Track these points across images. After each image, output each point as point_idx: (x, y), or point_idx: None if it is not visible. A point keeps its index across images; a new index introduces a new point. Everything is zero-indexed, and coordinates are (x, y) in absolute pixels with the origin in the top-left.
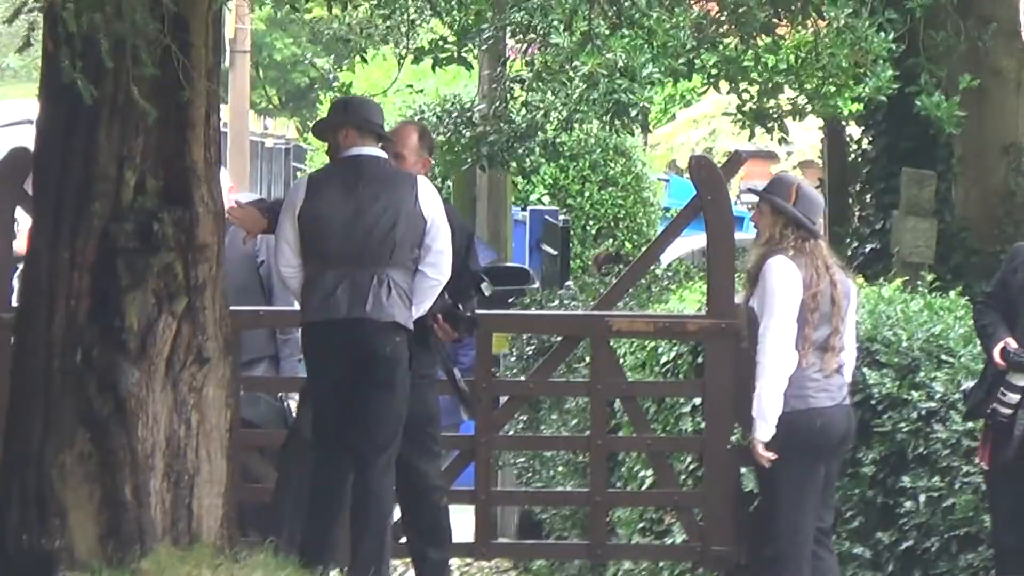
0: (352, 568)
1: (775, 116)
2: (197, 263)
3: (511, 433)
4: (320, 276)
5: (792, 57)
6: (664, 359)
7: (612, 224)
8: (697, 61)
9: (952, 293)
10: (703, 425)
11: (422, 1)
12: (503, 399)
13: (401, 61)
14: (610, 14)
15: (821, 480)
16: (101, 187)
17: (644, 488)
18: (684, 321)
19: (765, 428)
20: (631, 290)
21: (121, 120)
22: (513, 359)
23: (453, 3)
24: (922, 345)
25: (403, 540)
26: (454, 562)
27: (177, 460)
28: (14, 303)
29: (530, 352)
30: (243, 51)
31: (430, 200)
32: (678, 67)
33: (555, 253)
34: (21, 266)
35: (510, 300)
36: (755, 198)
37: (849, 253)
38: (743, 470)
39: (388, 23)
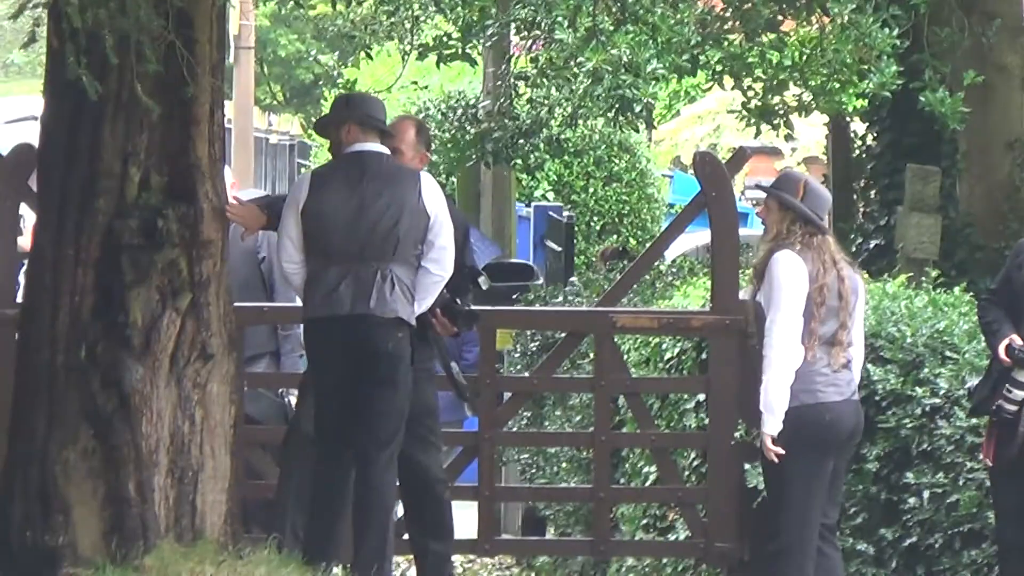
0: (355, 564)
1: (781, 113)
2: (201, 259)
3: (515, 429)
4: (323, 272)
5: (797, 54)
6: (668, 355)
7: (616, 220)
8: (701, 58)
9: (956, 289)
10: (707, 421)
11: None
12: (507, 395)
13: (405, 57)
14: (614, 10)
15: (828, 476)
16: (105, 183)
17: (648, 484)
18: (688, 317)
19: (773, 421)
20: (635, 286)
21: (125, 116)
22: (517, 355)
23: (457, 0)
24: (926, 341)
25: (406, 536)
26: (457, 558)
27: (181, 456)
28: (19, 299)
29: (534, 348)
30: (247, 47)
31: (433, 196)
32: (682, 64)
33: (559, 249)
34: (27, 262)
35: (514, 296)
36: (761, 194)
37: (853, 249)
38: (747, 466)
39: (392, 19)
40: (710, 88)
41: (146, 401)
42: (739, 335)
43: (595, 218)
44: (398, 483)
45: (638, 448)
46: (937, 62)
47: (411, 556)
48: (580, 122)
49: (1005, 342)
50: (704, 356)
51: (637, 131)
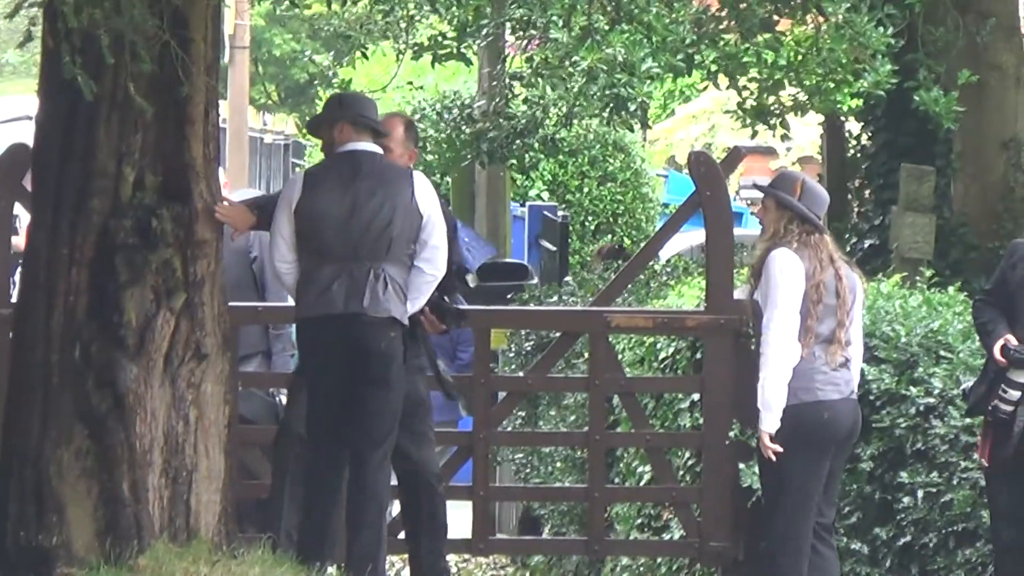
0: (349, 564)
1: (776, 113)
2: (196, 259)
3: (509, 429)
4: (316, 271)
5: (792, 53)
6: (663, 355)
7: (611, 220)
8: (696, 57)
9: (951, 289)
10: (701, 421)
11: None
12: (501, 395)
13: (400, 57)
14: (609, 9)
15: (825, 474)
16: (100, 183)
17: (642, 484)
18: (683, 317)
19: (771, 419)
20: (630, 286)
21: (120, 116)
22: (512, 355)
23: (452, 0)
24: (921, 341)
25: (400, 535)
26: (452, 558)
27: (175, 456)
28: (14, 299)
29: (529, 348)
30: (242, 47)
31: (426, 196)
32: (677, 63)
33: (554, 249)
34: (22, 262)
35: (509, 296)
36: (756, 194)
37: (848, 249)
38: (741, 466)
39: (387, 19)
40: (705, 88)
41: (140, 401)
42: (733, 335)
43: (590, 218)
44: (394, 478)
45: (633, 448)
46: (932, 62)
47: (405, 555)
48: (575, 122)
49: (1000, 342)
50: (699, 356)
51: (632, 130)
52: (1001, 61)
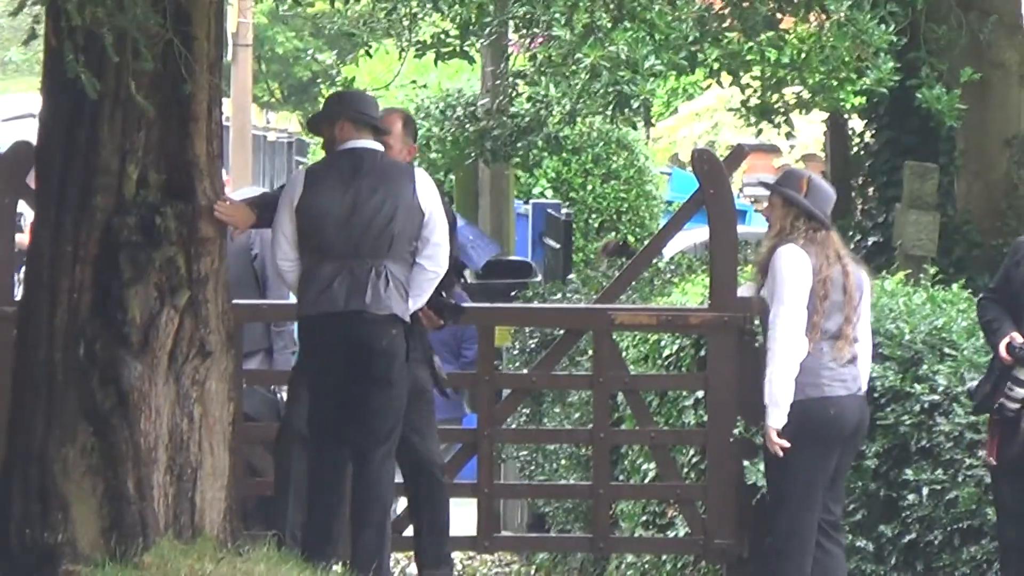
0: (353, 562)
1: (780, 111)
2: (199, 256)
3: (514, 426)
4: (318, 269)
5: (795, 52)
6: (667, 352)
7: (615, 217)
8: (699, 55)
9: (955, 286)
10: (705, 418)
11: None
12: (506, 392)
13: (403, 55)
14: (612, 7)
15: (831, 471)
16: (103, 181)
17: (647, 481)
18: (687, 314)
19: (777, 414)
20: (634, 283)
21: (123, 114)
22: (516, 352)
23: None
24: (925, 338)
25: (404, 533)
26: (457, 555)
27: (180, 453)
28: (19, 297)
29: (533, 345)
30: (245, 45)
31: (428, 192)
32: (679, 61)
33: (558, 246)
34: (25, 260)
35: (513, 293)
36: (760, 191)
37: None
38: (746, 463)
39: (390, 17)
40: (709, 86)
41: (145, 398)
42: (737, 332)
43: (593, 215)
44: (398, 475)
45: (637, 445)
46: (934, 59)
47: (410, 553)
48: (578, 119)
49: (1006, 340)
50: (703, 353)
51: (635, 128)
52: (1004, 59)
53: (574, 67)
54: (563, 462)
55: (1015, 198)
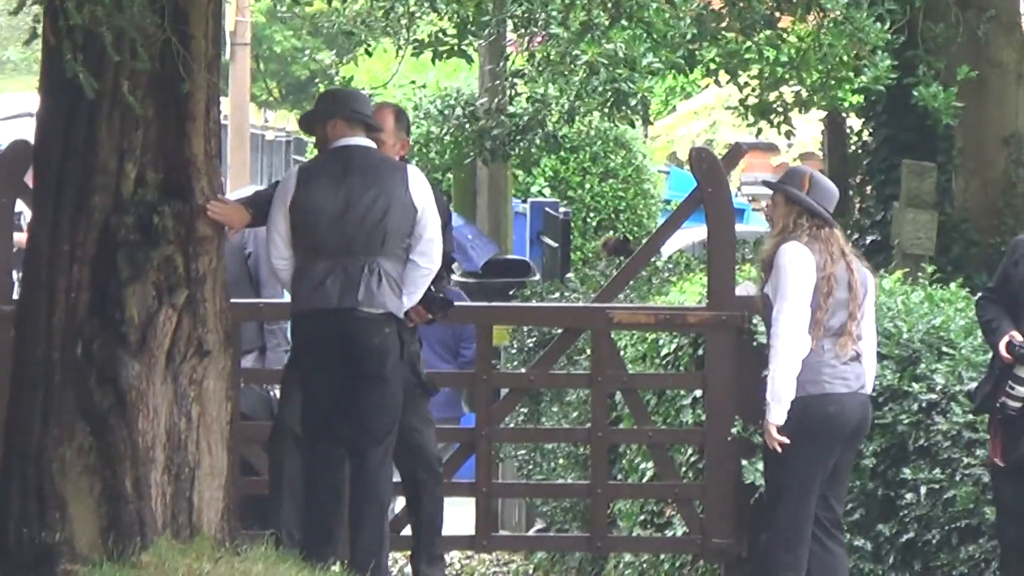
0: (352, 560)
1: (779, 110)
2: (197, 256)
3: (512, 426)
4: (311, 266)
5: (793, 51)
6: (665, 351)
7: (613, 216)
8: (698, 54)
9: (953, 285)
10: (704, 417)
11: None
12: (504, 392)
13: (400, 53)
14: (609, 5)
15: (829, 469)
16: (101, 180)
17: (645, 480)
18: (685, 313)
19: (779, 411)
20: (632, 282)
21: (121, 113)
22: (514, 351)
23: None
24: (923, 337)
25: (403, 532)
26: (455, 554)
27: (178, 453)
28: (16, 296)
29: (531, 344)
30: (243, 44)
31: (420, 189)
32: (677, 60)
33: (556, 245)
34: (23, 259)
35: (511, 292)
36: (756, 189)
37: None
38: (744, 462)
39: (388, 16)
40: (707, 85)
41: (142, 397)
42: (735, 331)
43: (591, 214)
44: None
45: (635, 444)
46: (931, 58)
47: (408, 552)
48: (576, 118)
49: (1005, 339)
50: (701, 352)
51: (633, 126)
52: (1002, 57)
53: (572, 65)
54: (561, 461)
55: (1013, 196)
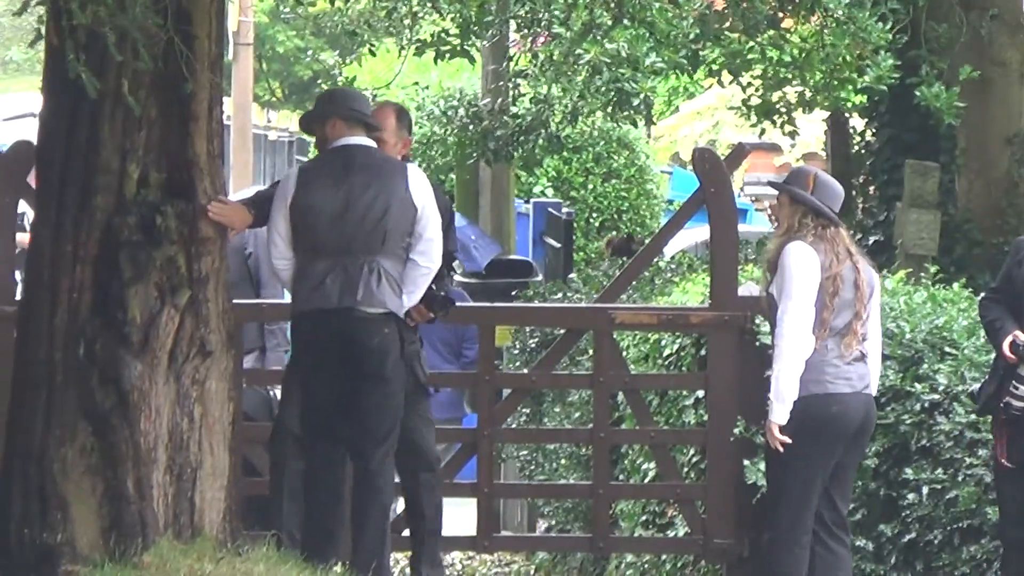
0: (353, 561)
1: (783, 110)
2: (200, 256)
3: (514, 426)
4: (311, 265)
5: (796, 51)
6: (667, 351)
7: (615, 216)
8: (700, 54)
9: (956, 285)
10: (706, 417)
11: None
12: (506, 392)
13: (403, 53)
14: (612, 5)
15: (831, 468)
16: (104, 180)
17: (647, 481)
18: (687, 313)
19: (781, 410)
20: (634, 282)
21: (124, 113)
22: (516, 352)
23: None
24: (926, 337)
25: (404, 533)
26: (456, 555)
27: (179, 453)
28: (19, 297)
29: (533, 345)
30: (246, 44)
31: (421, 188)
32: (680, 60)
33: (558, 246)
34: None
35: (513, 293)
36: (759, 190)
37: None
38: (746, 462)
39: (392, 16)
40: (710, 85)
41: (144, 398)
42: (738, 331)
43: (594, 214)
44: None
45: (637, 444)
46: (934, 58)
47: (409, 553)
48: (579, 118)
49: (1009, 339)
50: (703, 352)
51: (636, 126)
52: (1005, 57)
53: (575, 65)
54: (563, 462)
55: (1016, 196)
